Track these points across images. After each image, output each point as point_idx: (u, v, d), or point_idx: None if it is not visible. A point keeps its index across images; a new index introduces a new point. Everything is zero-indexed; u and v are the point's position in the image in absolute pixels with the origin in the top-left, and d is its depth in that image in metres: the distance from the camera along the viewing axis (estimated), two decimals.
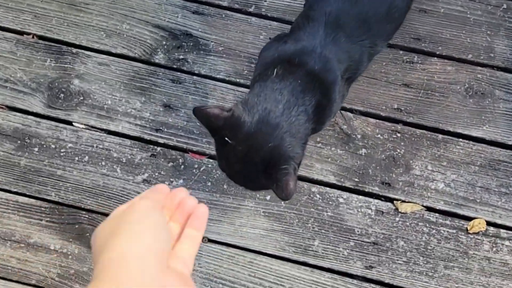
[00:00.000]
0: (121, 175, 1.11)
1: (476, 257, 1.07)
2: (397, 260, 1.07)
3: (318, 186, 1.09)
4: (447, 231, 1.08)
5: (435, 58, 1.14)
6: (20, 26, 1.17)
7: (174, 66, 1.15)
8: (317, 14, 0.77)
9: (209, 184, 1.10)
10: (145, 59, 1.15)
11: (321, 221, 1.09)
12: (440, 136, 1.11)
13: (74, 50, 1.16)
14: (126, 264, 0.39)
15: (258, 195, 1.09)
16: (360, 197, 1.09)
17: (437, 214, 1.08)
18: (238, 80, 1.15)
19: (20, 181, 1.11)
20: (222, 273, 1.07)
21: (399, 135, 1.12)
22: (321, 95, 0.73)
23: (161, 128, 1.12)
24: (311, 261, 1.08)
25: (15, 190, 1.11)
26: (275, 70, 0.73)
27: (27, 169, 1.11)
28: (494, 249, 1.07)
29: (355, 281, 1.07)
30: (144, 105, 1.13)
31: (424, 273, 1.07)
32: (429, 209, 1.09)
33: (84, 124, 1.13)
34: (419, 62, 1.14)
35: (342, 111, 1.12)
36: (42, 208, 1.10)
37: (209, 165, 1.11)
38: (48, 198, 1.10)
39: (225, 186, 1.10)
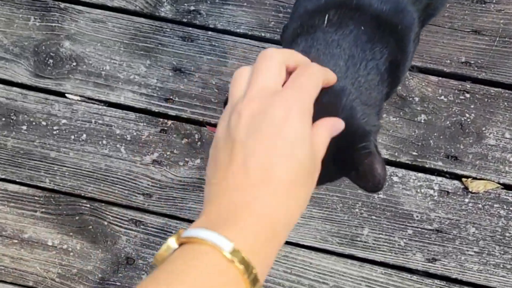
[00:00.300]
0: (126, 156, 0.92)
1: None
2: (467, 250, 0.87)
3: None
4: None
5: None
6: None
7: (184, 20, 0.93)
8: None
9: None
10: (148, 12, 0.94)
11: (371, 205, 0.88)
12: None
13: (62, 4, 0.95)
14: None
15: None
16: (420, 174, 0.88)
17: None
18: (263, 35, 0.93)
19: (8, 166, 0.93)
20: None
21: (468, 95, 0.89)
22: (393, 46, 0.51)
23: (171, 97, 0.92)
24: (360, 253, 0.88)
25: (2, 176, 0.93)
26: (326, 17, 0.51)
27: (15, 152, 0.93)
28: None
29: (414, 277, 0.87)
30: (149, 69, 0.93)
31: (501, 266, 0.86)
32: (507, 187, 0.87)
33: (79, 96, 0.93)
34: (493, 1, 0.89)
35: None
36: (36, 198, 0.92)
37: None
38: (42, 185, 0.92)
39: None
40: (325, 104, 0.43)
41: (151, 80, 0.93)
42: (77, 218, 0.92)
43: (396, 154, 0.89)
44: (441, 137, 0.88)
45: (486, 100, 0.89)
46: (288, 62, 0.40)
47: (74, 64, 0.93)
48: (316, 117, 0.39)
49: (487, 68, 0.89)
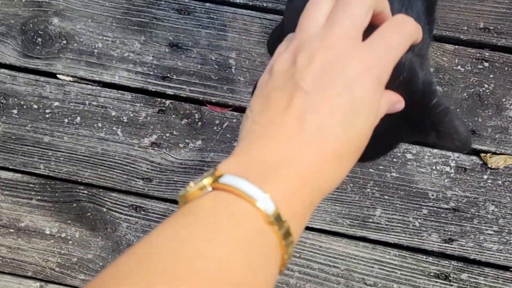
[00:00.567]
0: (123, 139, 0.87)
1: None
2: (486, 230, 0.82)
3: None
4: None
5: None
6: None
7: None
8: None
9: (235, 144, 0.85)
10: None
11: (384, 184, 0.83)
12: None
13: None
14: None
15: None
16: (435, 150, 0.83)
17: None
18: (264, 5, 0.86)
19: (0, 153, 0.89)
20: None
21: (486, 64, 0.83)
22: None
23: (168, 75, 0.87)
24: (372, 235, 0.84)
25: None
26: None
27: (6, 137, 0.88)
28: None
29: (430, 258, 0.83)
30: (144, 46, 0.87)
31: None
32: None
33: (71, 76, 0.88)
34: None
35: None
36: (31, 185, 0.88)
37: (234, 120, 0.86)
38: (37, 171, 0.88)
39: None
40: None
41: (147, 57, 0.87)
42: (74, 205, 0.87)
43: None
44: (458, 110, 0.83)
45: (506, 69, 0.82)
46: (377, 7, 0.33)
47: (64, 42, 0.88)
48: None
49: (507, 34, 0.82)
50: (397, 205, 0.83)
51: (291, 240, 0.29)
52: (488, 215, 0.82)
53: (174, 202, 0.87)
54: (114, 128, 0.87)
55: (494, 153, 0.82)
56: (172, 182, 0.86)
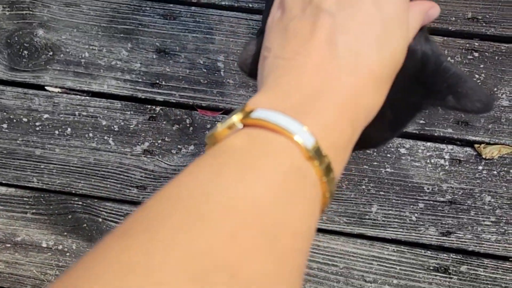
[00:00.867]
0: (116, 148, 0.87)
1: None
2: (483, 221, 0.82)
3: None
4: None
5: None
6: None
7: None
8: None
9: None
10: None
11: (378, 180, 0.83)
12: None
13: None
14: None
15: None
16: (428, 144, 0.82)
17: None
18: (250, 5, 0.85)
19: None
20: None
21: (476, 54, 0.82)
22: None
23: (157, 81, 0.86)
24: (370, 232, 0.84)
25: None
26: None
27: None
28: None
29: (428, 252, 0.83)
30: (131, 53, 0.86)
31: None
32: None
33: (60, 87, 0.87)
34: None
35: None
36: (25, 198, 0.88)
37: None
38: (30, 185, 0.88)
39: None
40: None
41: (135, 64, 0.86)
42: (70, 216, 0.87)
43: None
44: None
45: (496, 58, 0.82)
46: None
47: (51, 53, 0.87)
48: None
49: (496, 23, 0.82)
50: (393, 201, 0.83)
51: (332, 176, 0.26)
52: (485, 206, 0.82)
53: None
54: (105, 138, 0.87)
55: (488, 144, 0.82)
56: None
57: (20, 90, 0.88)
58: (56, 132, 0.87)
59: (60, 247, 0.87)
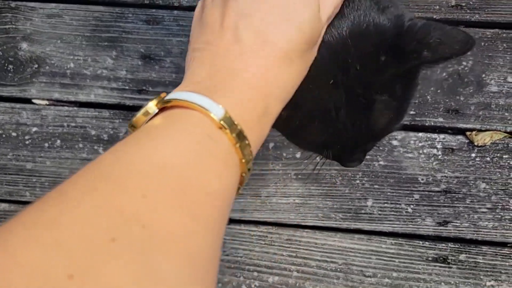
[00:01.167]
0: None
1: None
2: (480, 208, 0.81)
3: None
4: None
5: None
6: None
7: (146, 2, 0.86)
8: None
9: None
10: None
11: (372, 174, 0.83)
12: None
13: (13, 3, 0.87)
14: None
15: (284, 154, 0.83)
16: (420, 134, 0.82)
17: None
18: None
19: None
20: (255, 258, 0.84)
21: None
22: None
23: (144, 87, 0.85)
24: (366, 226, 0.83)
25: None
26: None
27: None
28: None
29: (426, 243, 0.82)
30: (117, 61, 0.86)
31: None
32: None
33: (47, 99, 0.87)
34: None
35: None
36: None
37: None
38: (23, 199, 0.87)
39: None
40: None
41: (120, 72, 0.86)
42: None
43: None
44: (439, 91, 0.82)
45: (482, 44, 0.81)
46: None
47: (36, 66, 0.87)
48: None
49: (480, 9, 0.81)
50: (388, 194, 0.82)
51: (247, 143, 0.29)
52: (480, 193, 0.81)
53: None
54: (95, 147, 0.86)
55: (480, 130, 0.81)
56: None
57: (8, 105, 0.87)
58: (46, 144, 0.87)
59: None
